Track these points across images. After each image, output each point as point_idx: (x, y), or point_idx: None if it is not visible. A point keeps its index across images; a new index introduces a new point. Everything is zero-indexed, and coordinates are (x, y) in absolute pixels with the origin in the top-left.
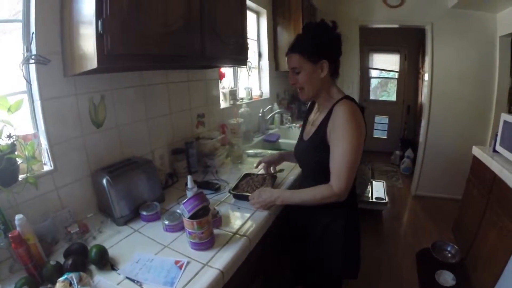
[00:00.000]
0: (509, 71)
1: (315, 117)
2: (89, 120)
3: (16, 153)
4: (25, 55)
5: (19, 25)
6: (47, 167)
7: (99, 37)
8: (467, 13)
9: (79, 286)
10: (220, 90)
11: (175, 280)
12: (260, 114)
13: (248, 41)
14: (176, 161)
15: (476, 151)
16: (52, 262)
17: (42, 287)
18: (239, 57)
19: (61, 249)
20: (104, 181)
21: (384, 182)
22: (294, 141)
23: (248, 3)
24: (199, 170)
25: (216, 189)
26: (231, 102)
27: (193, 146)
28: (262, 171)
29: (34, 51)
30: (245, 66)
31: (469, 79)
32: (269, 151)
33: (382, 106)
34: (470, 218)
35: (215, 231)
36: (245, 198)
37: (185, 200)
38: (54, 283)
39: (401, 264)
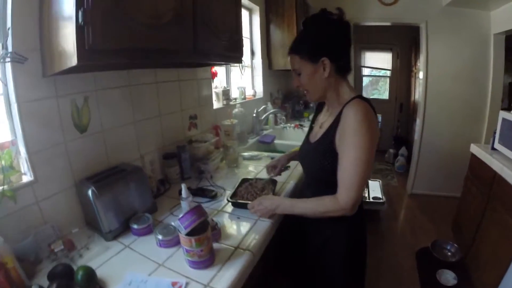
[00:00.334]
0: (503, 68)
1: (324, 118)
2: (72, 125)
3: None
4: (1, 53)
5: None
6: (26, 178)
7: (80, 29)
8: (461, 11)
9: None
10: (213, 90)
11: None
12: (254, 115)
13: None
14: (167, 166)
15: (475, 149)
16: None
17: None
18: (234, 54)
19: (46, 269)
20: (89, 192)
21: (380, 181)
22: (290, 142)
23: None
24: (193, 176)
25: (213, 196)
26: (224, 102)
27: (186, 150)
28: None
29: (10, 49)
30: (240, 64)
31: (464, 77)
32: (265, 153)
33: (375, 104)
34: (469, 217)
35: (214, 245)
36: (245, 206)
37: (181, 215)
38: None
39: (401, 263)
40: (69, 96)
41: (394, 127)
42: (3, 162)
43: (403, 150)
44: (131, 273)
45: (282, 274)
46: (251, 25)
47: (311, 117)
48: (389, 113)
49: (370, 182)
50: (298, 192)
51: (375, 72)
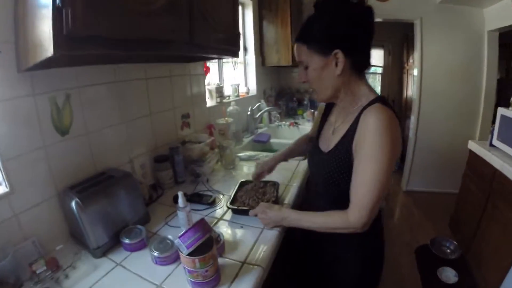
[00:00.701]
0: (497, 66)
1: (337, 124)
2: (52, 126)
3: None
4: None
5: None
6: (2, 188)
7: (57, 12)
8: (456, 8)
9: None
10: (206, 87)
11: None
12: (248, 113)
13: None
14: (159, 170)
15: (473, 145)
16: None
17: None
18: (231, 48)
19: None
20: (73, 204)
21: None
22: (287, 141)
23: None
24: (187, 180)
25: (211, 202)
26: (218, 100)
27: (179, 151)
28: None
29: None
30: (237, 58)
31: (458, 74)
32: (264, 153)
33: None
34: (468, 213)
35: (219, 260)
36: (247, 213)
37: (181, 232)
38: None
39: (400, 262)
40: (48, 94)
41: None
42: None
43: None
44: None
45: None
46: (243, 21)
47: (305, 114)
48: None
49: None
50: (307, 201)
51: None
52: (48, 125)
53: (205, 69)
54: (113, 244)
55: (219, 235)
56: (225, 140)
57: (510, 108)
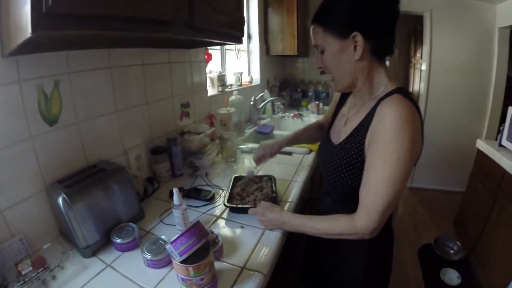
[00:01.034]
0: (507, 63)
1: (351, 114)
2: (39, 115)
3: None
4: None
5: None
6: None
7: None
8: (467, 2)
9: None
10: (207, 75)
11: None
12: (251, 103)
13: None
14: (156, 162)
15: (482, 145)
16: None
17: None
18: (234, 33)
19: None
20: (60, 200)
21: None
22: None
23: None
24: (186, 173)
25: (209, 199)
26: (220, 88)
27: (177, 143)
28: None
29: None
30: (240, 44)
31: (467, 70)
32: None
33: None
34: (474, 214)
35: (216, 264)
36: (246, 211)
37: (174, 238)
38: None
39: (404, 261)
40: (35, 81)
41: None
42: None
43: None
44: None
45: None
46: (248, 7)
47: (309, 106)
48: None
49: None
50: (315, 199)
51: None
52: (35, 114)
53: (206, 56)
54: (104, 243)
55: (217, 237)
56: (226, 131)
57: None
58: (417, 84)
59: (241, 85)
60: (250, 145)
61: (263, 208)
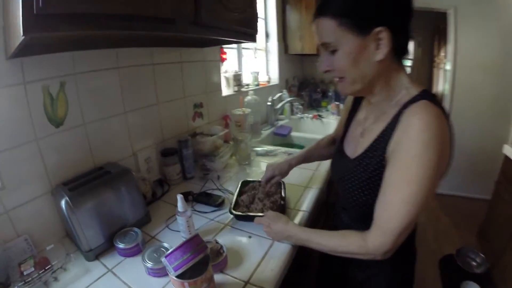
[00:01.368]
0: None
1: (369, 123)
2: (45, 117)
3: None
4: None
5: None
6: None
7: None
8: None
9: None
10: (222, 75)
11: None
12: (269, 103)
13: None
14: (166, 165)
15: (509, 151)
16: None
17: None
18: (247, 30)
19: None
20: (63, 203)
21: None
22: (309, 135)
23: None
24: (197, 176)
25: (219, 204)
26: (235, 88)
27: (188, 145)
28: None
29: None
30: (254, 42)
31: (494, 70)
32: (283, 149)
33: None
34: (500, 225)
35: (218, 276)
36: (252, 219)
37: (168, 252)
38: None
39: (423, 271)
40: (40, 82)
41: None
42: None
43: None
44: None
45: None
46: (265, 5)
47: (329, 107)
48: None
49: None
50: (333, 205)
51: None
52: (40, 116)
53: (222, 55)
54: (108, 246)
55: (221, 247)
56: (241, 132)
57: None
58: (441, 85)
59: (258, 85)
60: (266, 148)
61: (269, 218)
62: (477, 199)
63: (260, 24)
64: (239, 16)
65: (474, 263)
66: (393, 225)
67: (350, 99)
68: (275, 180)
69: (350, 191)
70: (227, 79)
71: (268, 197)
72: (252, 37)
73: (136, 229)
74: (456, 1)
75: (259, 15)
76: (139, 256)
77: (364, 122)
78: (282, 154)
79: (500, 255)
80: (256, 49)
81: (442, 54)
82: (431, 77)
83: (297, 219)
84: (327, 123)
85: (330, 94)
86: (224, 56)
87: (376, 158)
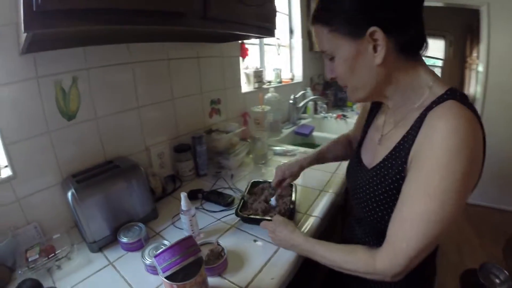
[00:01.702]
0: None
1: (388, 130)
2: (57, 111)
3: None
4: None
5: None
6: (6, 172)
7: None
8: None
9: None
10: (242, 70)
11: None
12: (291, 101)
13: (278, 14)
14: (179, 161)
15: None
16: None
17: None
18: (264, 24)
19: (21, 279)
20: (69, 194)
21: None
22: (331, 135)
23: None
24: (210, 173)
25: (228, 203)
26: (256, 85)
27: (202, 141)
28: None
29: None
30: (273, 37)
31: None
32: (302, 149)
33: None
34: None
35: (216, 280)
36: (258, 222)
37: (158, 252)
38: None
39: (443, 285)
40: (53, 77)
41: None
42: None
43: None
44: None
45: None
46: (289, 1)
47: (355, 107)
48: None
49: None
50: (349, 211)
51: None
52: (53, 109)
53: (242, 51)
54: (112, 239)
55: (223, 249)
56: (259, 130)
57: None
58: (473, 87)
59: (280, 82)
60: (284, 147)
61: (274, 224)
62: (507, 211)
63: (284, 20)
64: (256, 10)
65: (497, 280)
66: (406, 245)
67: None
68: (286, 183)
69: (365, 204)
70: (247, 75)
71: (278, 199)
72: (270, 32)
73: (140, 224)
74: None
75: (283, 12)
76: (141, 251)
77: (383, 129)
78: (301, 154)
79: None
80: (279, 45)
81: (474, 54)
82: (462, 79)
83: (307, 225)
84: (351, 124)
85: None
86: (246, 47)
87: (394, 169)
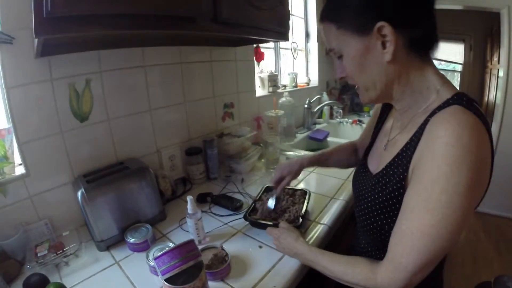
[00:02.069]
0: None
1: (394, 135)
2: (70, 112)
3: None
4: None
5: None
6: (20, 170)
7: None
8: None
9: None
10: (257, 75)
11: None
12: (306, 106)
13: (294, 18)
14: (190, 164)
15: None
16: None
17: None
18: (277, 28)
19: (29, 273)
20: (79, 194)
21: None
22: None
23: None
24: (220, 177)
25: (236, 208)
26: (270, 89)
27: (213, 145)
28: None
29: None
30: (286, 41)
31: None
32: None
33: None
34: None
35: (218, 285)
36: (266, 227)
37: (158, 254)
38: None
39: None
40: (66, 79)
41: None
42: None
43: None
44: None
45: None
46: (305, 4)
47: (372, 112)
48: None
49: None
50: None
51: (442, 66)
52: (66, 110)
53: (257, 55)
54: (120, 239)
55: (226, 255)
56: (272, 135)
57: None
58: (493, 93)
59: (296, 86)
60: (297, 152)
61: (279, 231)
62: None
63: (301, 24)
64: (268, 13)
65: None
66: (406, 261)
67: (379, 105)
68: (285, 182)
69: (365, 212)
70: (261, 79)
71: (291, 205)
72: (283, 36)
73: (147, 225)
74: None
75: (299, 15)
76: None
77: (390, 134)
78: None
79: None
80: (295, 49)
81: (495, 59)
82: (483, 85)
83: (314, 233)
84: None
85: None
86: (261, 51)
87: (396, 177)
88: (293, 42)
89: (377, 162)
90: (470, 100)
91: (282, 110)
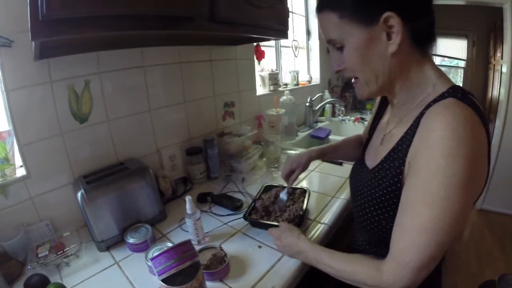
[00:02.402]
0: None
1: (390, 129)
2: (70, 114)
3: None
4: None
5: None
6: (20, 172)
7: None
8: None
9: None
10: (257, 73)
11: None
12: (307, 104)
13: (295, 16)
14: (190, 163)
15: None
16: None
17: None
18: (276, 26)
19: (30, 273)
20: (79, 195)
21: None
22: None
23: None
24: (221, 176)
25: (236, 207)
26: (271, 88)
27: (214, 144)
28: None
29: None
30: (285, 39)
31: None
32: None
33: None
34: None
35: (216, 285)
36: (267, 228)
37: (155, 254)
38: None
39: None
40: (66, 81)
41: None
42: None
43: None
44: None
45: None
46: (306, 2)
47: (374, 109)
48: None
49: None
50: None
51: (446, 62)
52: (66, 112)
53: (257, 53)
54: (120, 239)
55: (225, 255)
56: (272, 133)
57: None
58: (497, 89)
59: (297, 84)
60: (298, 151)
61: (281, 230)
62: None
63: (301, 22)
64: (267, 11)
65: None
66: (409, 257)
67: (378, 99)
68: (295, 175)
69: (362, 207)
70: (262, 78)
71: (291, 205)
72: (282, 34)
73: (147, 225)
74: None
75: (300, 13)
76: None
77: (386, 128)
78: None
79: None
80: (297, 47)
81: (498, 54)
82: (486, 81)
83: (314, 233)
84: None
85: None
86: (261, 55)
87: (392, 171)
88: (294, 40)
89: (373, 157)
90: (465, 92)
91: (283, 108)
